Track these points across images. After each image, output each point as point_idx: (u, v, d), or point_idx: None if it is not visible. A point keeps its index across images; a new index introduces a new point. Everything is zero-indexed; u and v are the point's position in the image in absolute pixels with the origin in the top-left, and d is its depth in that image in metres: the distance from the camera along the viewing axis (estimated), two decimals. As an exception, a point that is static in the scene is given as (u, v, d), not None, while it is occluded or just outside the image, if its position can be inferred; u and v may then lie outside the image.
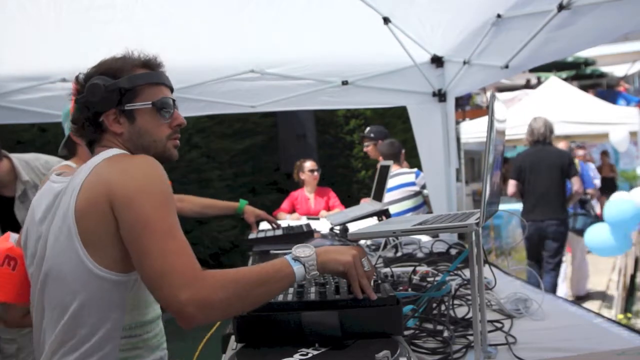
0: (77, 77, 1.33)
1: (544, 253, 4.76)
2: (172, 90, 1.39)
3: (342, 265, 1.19)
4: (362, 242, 2.56)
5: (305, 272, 1.17)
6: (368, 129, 4.93)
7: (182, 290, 1.05)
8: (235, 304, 1.11)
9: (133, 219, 1.11)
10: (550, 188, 4.62)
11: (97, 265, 1.16)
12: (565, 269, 5.65)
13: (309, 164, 4.90)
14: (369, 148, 4.79)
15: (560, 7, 2.06)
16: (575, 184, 4.72)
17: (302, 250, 1.19)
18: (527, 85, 13.98)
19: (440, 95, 3.55)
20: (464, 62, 3.08)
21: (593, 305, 5.95)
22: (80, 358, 1.16)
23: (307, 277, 1.17)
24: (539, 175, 4.64)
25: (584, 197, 5.63)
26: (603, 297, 6.53)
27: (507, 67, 2.71)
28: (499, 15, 2.56)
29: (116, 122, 1.29)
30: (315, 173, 4.86)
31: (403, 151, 4.56)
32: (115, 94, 1.27)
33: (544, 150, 4.69)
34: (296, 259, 1.18)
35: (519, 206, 7.83)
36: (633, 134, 8.38)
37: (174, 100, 1.36)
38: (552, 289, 4.63)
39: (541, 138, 4.69)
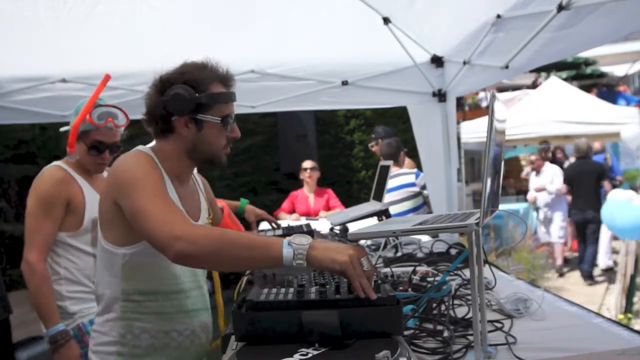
0: (160, 77, 1.48)
1: (586, 232, 6.99)
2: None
3: (338, 264, 1.20)
4: (362, 242, 2.56)
5: (293, 258, 1.21)
6: (375, 128, 5.09)
7: (174, 239, 1.25)
8: (220, 256, 1.27)
9: (127, 198, 1.36)
10: (590, 188, 6.90)
11: (103, 239, 1.47)
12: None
13: (306, 164, 4.93)
14: (374, 148, 4.94)
15: (560, 8, 2.06)
16: (606, 185, 7.04)
17: (299, 238, 1.24)
18: (535, 85, 13.93)
19: (440, 96, 3.55)
20: (464, 63, 3.08)
21: (593, 305, 5.95)
22: (102, 312, 1.52)
23: (294, 264, 1.21)
24: (582, 181, 6.92)
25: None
26: (603, 296, 6.54)
27: (507, 67, 2.71)
28: (498, 16, 2.56)
29: (185, 127, 1.48)
30: (309, 171, 4.88)
31: (404, 151, 4.56)
32: (192, 105, 1.44)
33: (586, 163, 7.07)
34: (290, 244, 1.23)
35: (519, 206, 7.76)
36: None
37: (235, 116, 1.54)
38: (594, 256, 7.03)
39: (583, 154, 7.05)
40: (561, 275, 7.38)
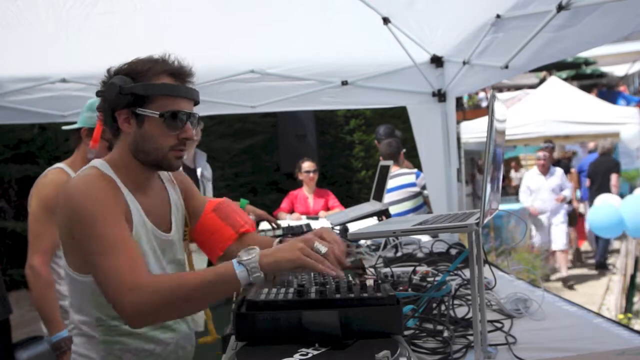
0: (108, 70, 1.39)
1: None
2: (196, 102, 1.44)
3: (292, 262, 1.22)
4: (362, 242, 2.56)
5: (249, 275, 1.19)
6: (377, 128, 5.11)
7: (121, 297, 1.19)
8: (172, 309, 1.23)
9: (79, 239, 1.27)
10: (606, 179, 7.74)
11: (68, 267, 1.37)
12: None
13: (306, 165, 4.90)
14: (379, 146, 4.95)
15: (560, 8, 2.06)
16: (613, 178, 7.74)
17: (246, 254, 1.22)
18: (541, 83, 13.87)
19: (440, 96, 3.55)
20: (464, 63, 3.08)
21: (593, 305, 5.95)
22: (79, 334, 1.41)
23: (251, 280, 1.20)
24: (604, 176, 7.77)
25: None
26: (603, 296, 6.54)
27: (507, 67, 2.70)
28: (498, 16, 2.56)
29: (126, 122, 1.37)
30: (312, 174, 4.86)
31: (403, 151, 4.56)
32: (129, 97, 1.33)
33: (608, 160, 7.93)
34: (240, 262, 1.20)
35: (519, 206, 7.78)
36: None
37: (190, 114, 1.39)
38: (605, 248, 7.88)
39: (607, 152, 7.94)
40: (570, 287, 6.96)
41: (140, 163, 1.40)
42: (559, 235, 7.29)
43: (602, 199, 6.92)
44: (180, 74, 1.38)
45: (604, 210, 6.57)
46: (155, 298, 1.19)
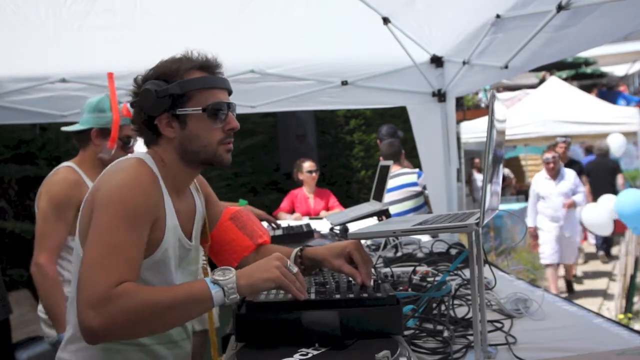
0: (135, 79, 1.34)
1: None
2: (230, 92, 1.39)
3: (272, 281, 1.18)
4: (362, 242, 2.56)
5: (225, 296, 1.15)
6: (379, 127, 5.17)
7: (88, 309, 1.08)
8: (140, 328, 1.14)
9: (93, 221, 1.20)
10: (607, 179, 7.78)
11: (78, 258, 1.28)
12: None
13: (307, 165, 4.88)
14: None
15: (559, 8, 2.06)
16: (620, 179, 7.94)
17: (222, 273, 1.18)
18: (541, 83, 13.86)
19: (440, 96, 3.55)
20: (464, 63, 3.08)
21: (593, 305, 5.95)
22: (75, 340, 1.31)
23: (227, 301, 1.16)
24: (601, 176, 7.80)
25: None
26: (603, 296, 6.54)
27: (506, 67, 2.71)
28: (498, 16, 2.56)
29: (169, 127, 1.31)
30: (314, 174, 4.85)
31: (402, 152, 4.57)
32: (167, 99, 1.28)
33: (605, 160, 8.00)
34: (215, 282, 1.16)
35: (519, 206, 7.74)
36: (633, 134, 8.38)
37: (229, 104, 1.34)
38: (606, 241, 8.25)
39: (604, 153, 8.03)
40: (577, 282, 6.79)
41: (189, 164, 1.35)
42: (570, 249, 6.45)
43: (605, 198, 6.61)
44: (209, 65, 1.35)
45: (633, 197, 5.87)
46: (123, 316, 1.10)
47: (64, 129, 2.39)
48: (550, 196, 6.30)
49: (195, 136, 1.31)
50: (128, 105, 2.16)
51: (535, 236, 6.51)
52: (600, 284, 7.17)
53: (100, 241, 1.16)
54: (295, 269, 1.21)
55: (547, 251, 6.32)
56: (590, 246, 8.93)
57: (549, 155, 6.26)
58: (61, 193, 2.13)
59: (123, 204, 1.19)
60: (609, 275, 7.53)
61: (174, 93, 1.28)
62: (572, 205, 6.24)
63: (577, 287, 7.00)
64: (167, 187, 1.32)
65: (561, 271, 6.73)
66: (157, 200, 1.27)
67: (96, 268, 1.12)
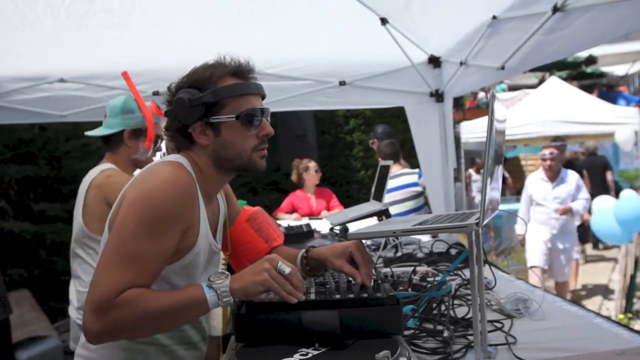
0: (169, 88, 1.34)
1: None
2: (263, 97, 1.40)
3: (261, 285, 1.17)
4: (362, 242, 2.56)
5: (218, 300, 1.16)
6: (375, 127, 5.20)
7: (90, 313, 1.13)
8: (138, 332, 1.20)
9: (116, 223, 1.20)
10: (599, 177, 8.09)
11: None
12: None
13: (312, 164, 4.87)
14: (374, 145, 5.04)
15: (555, 9, 2.06)
16: (609, 175, 8.33)
17: (216, 277, 1.18)
18: (541, 83, 13.86)
19: (438, 96, 3.55)
20: (461, 63, 3.08)
21: (593, 305, 5.95)
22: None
23: (220, 304, 1.17)
24: (592, 172, 8.01)
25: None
26: (603, 296, 6.54)
27: (503, 68, 2.70)
28: (494, 17, 2.56)
29: (203, 134, 1.30)
30: (319, 173, 4.89)
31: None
32: (200, 108, 1.27)
33: (594, 158, 8.52)
34: (210, 286, 1.17)
35: (519, 206, 7.79)
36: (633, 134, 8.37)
37: (262, 110, 1.35)
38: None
39: (593, 151, 8.50)
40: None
41: (222, 171, 1.34)
42: (563, 263, 5.47)
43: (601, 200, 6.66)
44: (243, 71, 1.33)
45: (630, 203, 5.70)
46: (123, 322, 1.13)
47: (88, 133, 2.33)
48: (544, 202, 5.40)
49: (230, 143, 1.31)
50: (156, 103, 2.16)
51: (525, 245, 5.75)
52: (600, 284, 7.18)
53: (118, 247, 1.17)
54: (287, 270, 1.19)
55: (533, 256, 5.47)
56: (589, 248, 8.94)
57: (546, 152, 5.41)
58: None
59: (150, 210, 1.17)
60: (609, 275, 7.53)
61: (207, 101, 1.27)
62: (568, 213, 5.32)
63: (577, 288, 7.00)
64: (201, 192, 1.31)
65: (550, 282, 5.76)
66: (193, 207, 1.26)
67: (107, 273, 1.14)
